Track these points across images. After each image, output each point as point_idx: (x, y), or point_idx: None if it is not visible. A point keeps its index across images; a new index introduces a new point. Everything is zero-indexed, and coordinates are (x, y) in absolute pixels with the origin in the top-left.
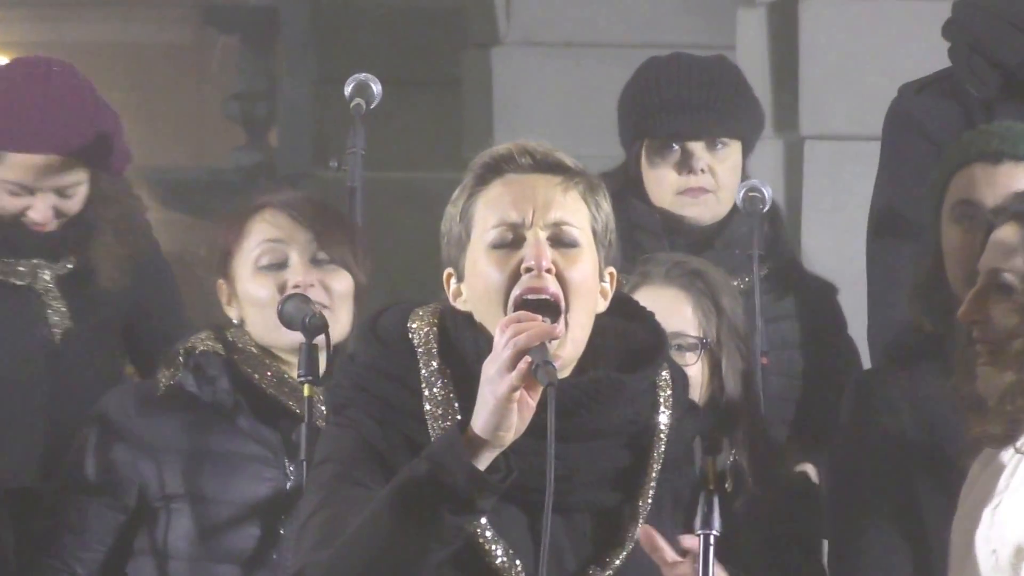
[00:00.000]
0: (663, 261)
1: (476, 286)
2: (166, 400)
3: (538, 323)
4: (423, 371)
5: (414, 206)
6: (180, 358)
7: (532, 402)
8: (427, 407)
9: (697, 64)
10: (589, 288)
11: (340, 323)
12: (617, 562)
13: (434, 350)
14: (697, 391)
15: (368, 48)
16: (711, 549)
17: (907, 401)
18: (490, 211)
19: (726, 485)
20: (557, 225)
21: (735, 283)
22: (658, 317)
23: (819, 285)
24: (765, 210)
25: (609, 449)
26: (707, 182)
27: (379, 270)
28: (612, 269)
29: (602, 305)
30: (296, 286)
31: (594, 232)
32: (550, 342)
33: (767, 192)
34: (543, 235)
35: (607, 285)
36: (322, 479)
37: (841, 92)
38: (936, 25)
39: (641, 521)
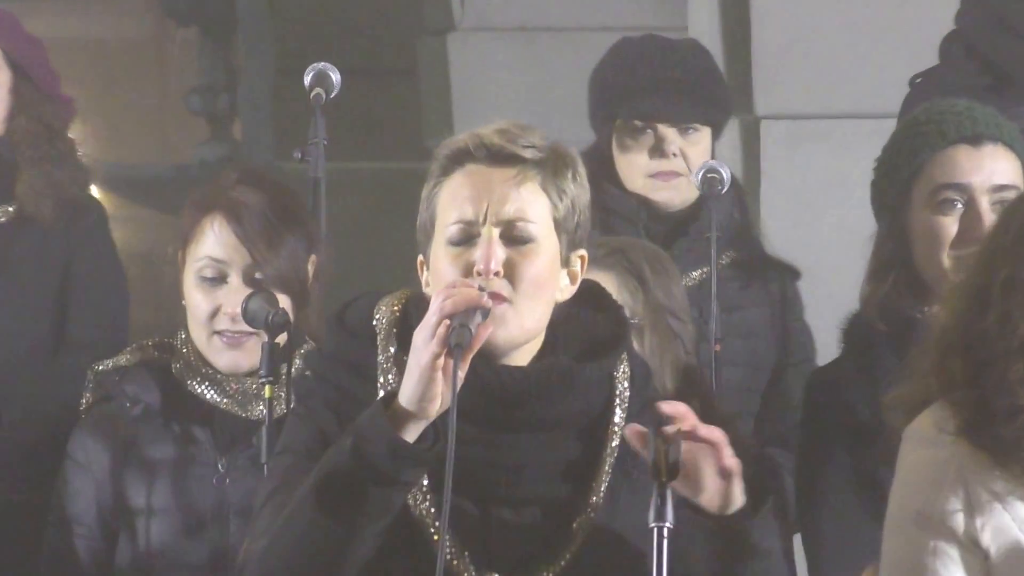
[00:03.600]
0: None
1: (435, 280)
2: (102, 422)
3: (469, 290)
4: (380, 358)
5: (375, 195)
6: (90, 384)
7: (460, 373)
8: (381, 394)
9: (671, 47)
10: (544, 281)
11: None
12: (568, 555)
13: (392, 337)
14: None
15: (325, 37)
16: (664, 542)
17: (863, 399)
18: (449, 205)
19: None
20: (511, 222)
21: (700, 271)
22: None
23: (782, 270)
24: (724, 191)
25: (560, 440)
26: (679, 166)
27: (340, 259)
28: (583, 252)
29: (568, 291)
30: (227, 313)
31: (555, 220)
32: (482, 316)
33: (725, 173)
34: (496, 232)
35: (577, 269)
36: (277, 469)
37: (795, 70)
38: (886, 4)
39: (593, 515)
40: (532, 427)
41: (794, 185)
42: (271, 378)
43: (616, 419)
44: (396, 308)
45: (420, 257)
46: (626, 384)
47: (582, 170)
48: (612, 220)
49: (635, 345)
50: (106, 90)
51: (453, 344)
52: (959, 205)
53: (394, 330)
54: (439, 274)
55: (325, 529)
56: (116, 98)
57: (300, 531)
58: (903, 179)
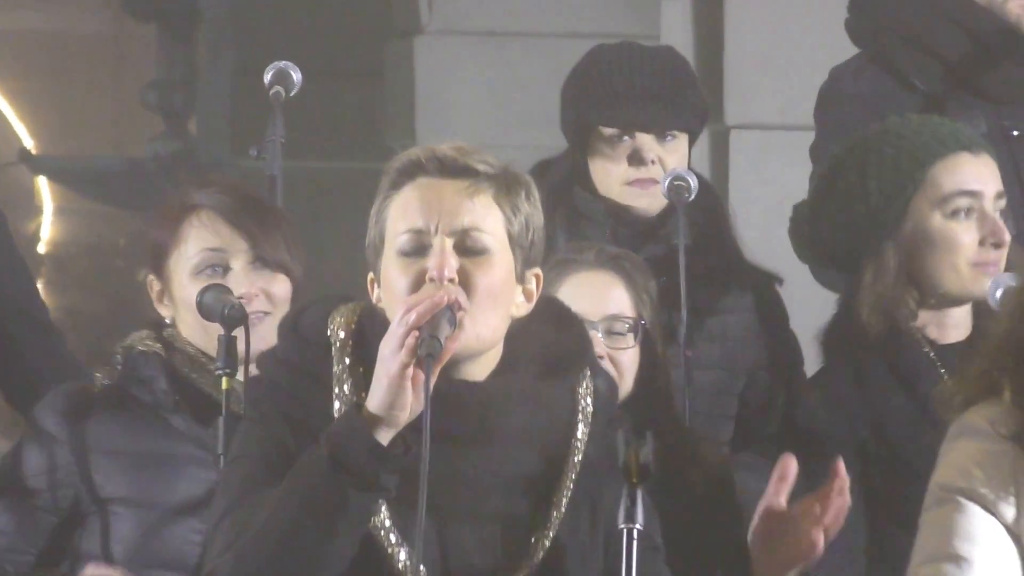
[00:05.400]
0: (587, 248)
1: (386, 293)
2: (101, 402)
3: (431, 295)
4: (335, 368)
5: (334, 196)
6: (118, 356)
7: (432, 379)
8: (336, 405)
9: (648, 54)
10: (499, 293)
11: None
12: (527, 571)
13: (348, 348)
14: (630, 377)
15: (289, 37)
16: (635, 544)
17: (858, 404)
18: (399, 217)
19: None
20: (464, 231)
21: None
22: (592, 301)
23: (763, 277)
24: (691, 199)
25: (522, 455)
26: (656, 173)
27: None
28: (537, 271)
29: (524, 308)
30: (240, 297)
31: (509, 235)
32: (449, 326)
33: (692, 181)
34: (449, 243)
35: (532, 287)
36: (234, 478)
37: (767, 81)
38: None
39: (553, 531)
40: (493, 442)
41: (762, 195)
42: (228, 370)
43: (579, 434)
44: (352, 321)
45: (371, 275)
46: (589, 400)
47: (536, 193)
48: (580, 223)
49: (638, 347)
50: (61, 83)
51: (424, 355)
52: (971, 211)
53: (349, 342)
54: (390, 286)
55: (305, 539)
56: (71, 91)
57: (277, 543)
58: (906, 189)
